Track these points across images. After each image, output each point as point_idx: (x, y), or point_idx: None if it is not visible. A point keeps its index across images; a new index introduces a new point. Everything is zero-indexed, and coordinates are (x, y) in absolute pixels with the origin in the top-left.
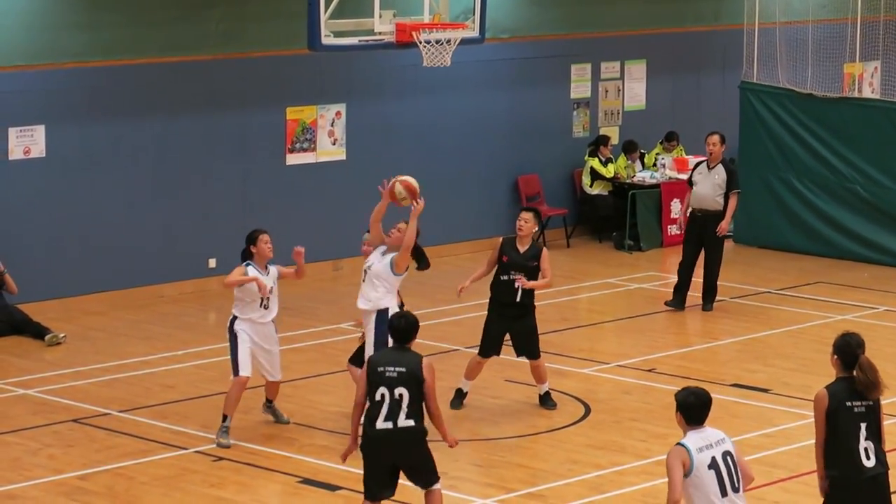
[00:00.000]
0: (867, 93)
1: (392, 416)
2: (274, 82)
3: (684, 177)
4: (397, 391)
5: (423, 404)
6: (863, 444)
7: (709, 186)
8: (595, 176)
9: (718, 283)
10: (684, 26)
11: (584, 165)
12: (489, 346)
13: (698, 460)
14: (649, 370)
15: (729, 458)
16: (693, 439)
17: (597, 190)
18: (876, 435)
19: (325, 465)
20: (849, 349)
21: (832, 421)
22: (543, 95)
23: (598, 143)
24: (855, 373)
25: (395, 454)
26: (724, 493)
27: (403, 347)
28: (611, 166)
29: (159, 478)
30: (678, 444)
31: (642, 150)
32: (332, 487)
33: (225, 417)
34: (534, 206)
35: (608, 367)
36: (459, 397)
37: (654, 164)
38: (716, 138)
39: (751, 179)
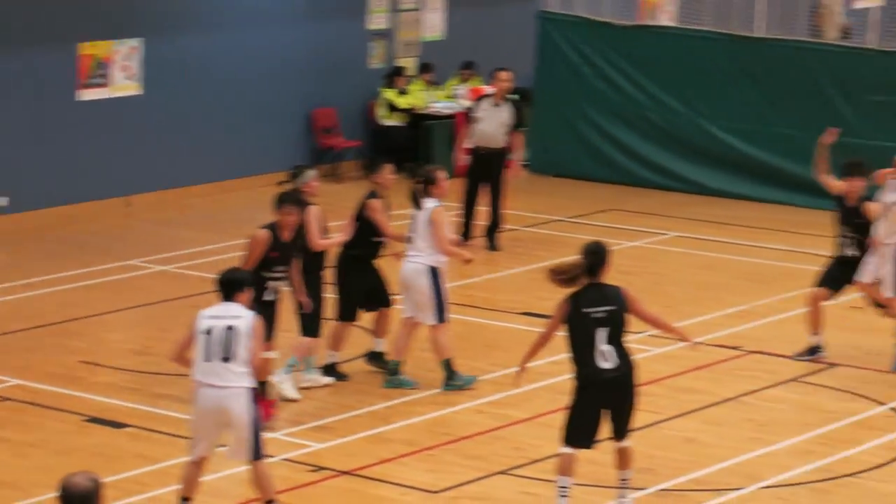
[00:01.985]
0: (664, 21)
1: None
2: (66, 17)
3: None
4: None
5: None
6: (600, 347)
7: (495, 124)
8: (391, 108)
9: (506, 212)
10: None
11: (379, 97)
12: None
13: (199, 325)
14: None
15: (230, 332)
16: (211, 309)
17: (392, 121)
18: (616, 339)
19: (112, 403)
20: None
21: (571, 325)
22: (340, 27)
23: (393, 75)
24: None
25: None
26: (207, 358)
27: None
28: (407, 97)
29: None
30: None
31: (436, 81)
32: (119, 425)
33: None
34: (330, 138)
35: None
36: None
37: (452, 96)
38: (507, 74)
39: (546, 108)
